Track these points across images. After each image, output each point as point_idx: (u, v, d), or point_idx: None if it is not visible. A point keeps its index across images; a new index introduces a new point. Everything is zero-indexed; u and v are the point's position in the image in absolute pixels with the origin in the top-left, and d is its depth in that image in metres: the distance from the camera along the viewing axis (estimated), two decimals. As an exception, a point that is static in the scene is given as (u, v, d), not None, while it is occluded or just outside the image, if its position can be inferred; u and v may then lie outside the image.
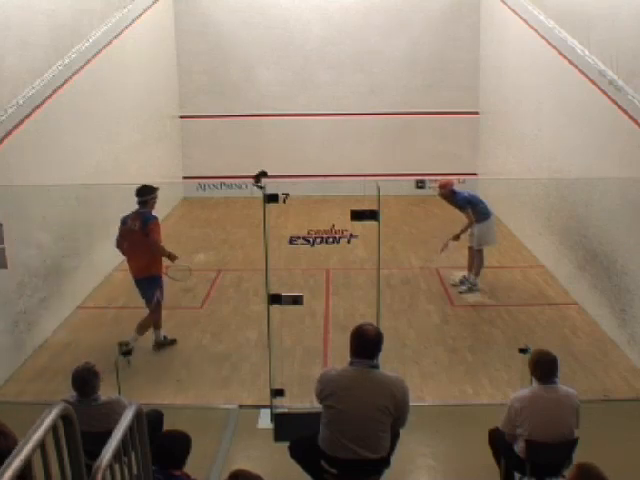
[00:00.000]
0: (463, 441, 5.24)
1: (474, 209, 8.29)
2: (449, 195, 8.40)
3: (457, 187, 8.62)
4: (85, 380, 4.20)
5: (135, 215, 6.80)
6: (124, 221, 6.86)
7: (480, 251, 8.52)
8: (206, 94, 13.51)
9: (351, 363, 3.99)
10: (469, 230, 8.34)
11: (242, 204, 12.70)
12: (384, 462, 4.01)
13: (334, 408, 3.92)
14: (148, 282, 6.86)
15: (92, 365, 4.29)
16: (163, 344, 7.03)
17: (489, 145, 12.77)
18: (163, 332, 7.09)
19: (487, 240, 8.46)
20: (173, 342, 7.12)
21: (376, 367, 3.97)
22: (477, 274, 8.55)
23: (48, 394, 5.87)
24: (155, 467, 3.50)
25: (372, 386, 3.91)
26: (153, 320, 6.96)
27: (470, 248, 8.56)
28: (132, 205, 6.81)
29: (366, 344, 3.95)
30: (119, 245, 6.98)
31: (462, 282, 8.63)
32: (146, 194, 6.80)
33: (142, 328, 6.90)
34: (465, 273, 8.67)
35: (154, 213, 6.91)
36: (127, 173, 9.97)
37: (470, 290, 8.49)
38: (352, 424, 3.87)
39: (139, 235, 6.72)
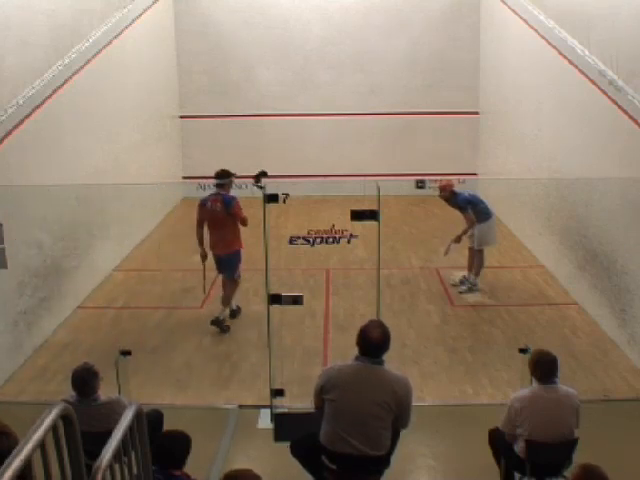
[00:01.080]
0: (463, 441, 5.24)
1: (475, 209, 8.28)
2: (450, 197, 8.40)
3: (457, 188, 8.62)
4: (84, 380, 4.21)
5: (215, 197, 7.37)
6: (203, 203, 7.36)
7: (480, 251, 8.52)
8: (206, 94, 13.48)
9: (355, 358, 4.00)
10: (469, 231, 8.35)
11: (242, 204, 12.64)
12: (384, 461, 4.00)
13: (335, 401, 3.93)
14: (234, 256, 7.49)
15: (91, 365, 4.29)
16: (221, 322, 7.39)
17: (489, 145, 12.76)
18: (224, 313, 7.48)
19: (487, 240, 8.46)
20: (228, 327, 7.46)
21: (380, 364, 3.98)
22: (477, 274, 8.55)
23: (48, 394, 5.87)
24: (155, 467, 3.51)
25: (373, 381, 3.92)
26: (232, 293, 7.52)
27: (470, 248, 8.56)
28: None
29: (368, 346, 3.96)
30: (199, 225, 7.40)
31: (462, 282, 8.63)
32: (224, 177, 7.42)
33: (227, 300, 7.51)
34: (465, 273, 8.67)
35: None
36: (127, 173, 9.98)
37: (470, 290, 8.49)
38: (352, 418, 3.88)
39: (222, 215, 7.30)
